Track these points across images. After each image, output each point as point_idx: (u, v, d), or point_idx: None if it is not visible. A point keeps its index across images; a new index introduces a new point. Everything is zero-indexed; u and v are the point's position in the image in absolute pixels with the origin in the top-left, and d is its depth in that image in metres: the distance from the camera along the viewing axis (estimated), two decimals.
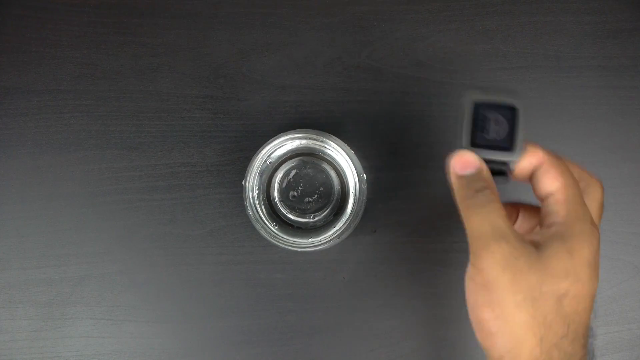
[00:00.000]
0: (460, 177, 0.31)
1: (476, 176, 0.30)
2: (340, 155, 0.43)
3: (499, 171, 0.31)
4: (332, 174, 0.45)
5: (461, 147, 0.31)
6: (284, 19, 0.49)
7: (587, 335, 0.29)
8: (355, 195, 0.43)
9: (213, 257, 0.46)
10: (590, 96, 0.48)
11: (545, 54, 0.48)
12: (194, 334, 0.46)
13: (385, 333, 0.45)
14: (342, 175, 0.45)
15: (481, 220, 0.29)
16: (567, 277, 0.28)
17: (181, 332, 0.46)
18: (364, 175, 0.42)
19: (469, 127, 0.31)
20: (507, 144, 0.30)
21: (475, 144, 0.31)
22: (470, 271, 0.30)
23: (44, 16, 0.49)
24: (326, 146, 0.44)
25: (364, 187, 0.42)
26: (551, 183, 0.30)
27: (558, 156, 0.32)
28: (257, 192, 0.43)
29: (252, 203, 0.43)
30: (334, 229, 0.43)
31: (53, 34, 0.49)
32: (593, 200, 0.32)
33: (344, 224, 0.42)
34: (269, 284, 0.46)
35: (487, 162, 0.31)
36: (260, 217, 0.42)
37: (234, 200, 0.47)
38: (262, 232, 0.42)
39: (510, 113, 0.31)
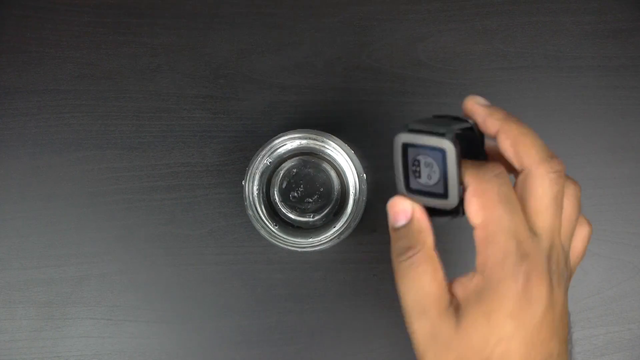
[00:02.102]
0: (394, 230, 0.29)
1: (406, 231, 0.28)
2: (340, 155, 0.43)
3: (442, 216, 0.29)
4: (332, 174, 0.45)
5: (397, 191, 0.28)
6: (284, 19, 0.49)
7: None
8: (355, 195, 0.43)
9: (213, 257, 0.46)
10: (590, 96, 0.48)
11: (545, 54, 0.48)
12: (194, 334, 0.46)
13: (385, 333, 0.45)
14: (342, 175, 0.45)
15: (406, 290, 0.28)
16: (486, 346, 0.26)
17: (181, 332, 0.46)
18: (364, 175, 0.42)
19: (400, 171, 0.28)
20: (441, 190, 0.27)
21: (410, 189, 0.28)
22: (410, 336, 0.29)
23: (44, 16, 0.49)
24: (326, 146, 0.44)
25: (364, 187, 0.42)
26: (473, 217, 0.27)
27: (481, 178, 0.27)
28: (257, 192, 0.43)
29: (252, 203, 0.43)
30: (334, 229, 0.43)
31: (53, 34, 0.49)
32: (571, 197, 0.29)
33: (344, 224, 0.42)
34: (269, 284, 0.46)
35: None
36: (260, 217, 0.42)
37: (234, 200, 0.47)
38: (262, 232, 0.42)
39: (440, 155, 0.27)
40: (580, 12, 0.49)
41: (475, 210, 0.27)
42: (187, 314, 0.46)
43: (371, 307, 0.46)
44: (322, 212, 0.45)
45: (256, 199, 0.43)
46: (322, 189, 0.45)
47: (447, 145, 0.26)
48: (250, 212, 0.42)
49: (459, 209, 0.28)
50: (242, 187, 0.43)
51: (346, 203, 0.44)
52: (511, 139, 0.28)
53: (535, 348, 0.26)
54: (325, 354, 0.45)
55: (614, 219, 0.47)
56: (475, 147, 0.30)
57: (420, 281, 0.27)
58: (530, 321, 0.26)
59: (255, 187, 0.43)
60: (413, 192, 0.28)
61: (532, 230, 0.27)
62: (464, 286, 0.27)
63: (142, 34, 0.49)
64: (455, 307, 0.27)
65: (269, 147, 0.43)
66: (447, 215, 0.28)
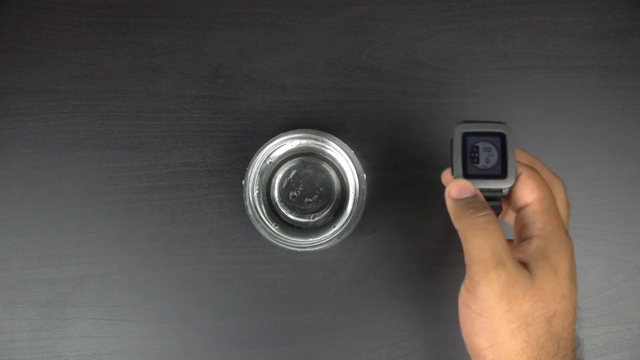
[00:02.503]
0: (458, 200, 0.31)
1: (474, 198, 0.31)
2: (340, 155, 0.43)
3: (491, 198, 0.32)
4: (332, 174, 0.45)
5: (454, 177, 0.32)
6: (284, 19, 0.49)
7: (575, 348, 0.30)
8: (355, 195, 0.43)
9: (213, 257, 0.46)
10: (590, 96, 0.48)
11: (545, 54, 0.48)
12: (194, 334, 0.46)
13: (385, 333, 0.45)
14: (342, 175, 0.45)
15: (482, 243, 0.29)
16: (555, 298, 0.29)
17: (181, 332, 0.46)
18: (364, 175, 0.42)
19: (459, 159, 0.31)
20: (499, 171, 0.31)
21: (467, 175, 0.31)
22: (465, 296, 0.30)
23: (44, 16, 0.49)
24: (326, 146, 0.44)
25: (364, 187, 0.42)
26: (529, 195, 0.31)
27: (531, 167, 0.32)
28: (257, 192, 0.43)
29: (252, 203, 0.43)
30: (334, 229, 0.43)
31: (53, 34, 0.49)
32: (559, 200, 0.33)
33: (344, 224, 0.42)
34: (269, 284, 0.46)
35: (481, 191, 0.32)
36: (260, 217, 0.42)
37: (234, 200, 0.47)
38: (262, 232, 0.42)
39: (499, 140, 0.31)
40: (580, 12, 0.49)
41: (530, 189, 0.31)
42: (187, 314, 0.46)
43: (371, 307, 0.46)
44: (322, 212, 0.45)
45: (256, 199, 0.43)
46: (322, 189, 0.45)
47: (507, 130, 0.31)
48: (250, 212, 0.42)
49: (501, 206, 0.32)
50: (242, 187, 0.43)
51: (346, 203, 0.44)
52: (528, 161, 0.34)
53: (575, 315, 0.30)
54: (325, 354, 0.45)
55: (614, 219, 0.47)
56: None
57: (498, 235, 0.30)
58: (576, 290, 0.30)
59: (255, 187, 0.43)
60: (470, 176, 0.31)
61: None
62: (524, 250, 0.30)
63: (142, 34, 0.49)
64: (524, 264, 0.30)
65: (269, 147, 0.43)
66: (493, 206, 0.32)
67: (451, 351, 0.45)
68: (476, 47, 0.49)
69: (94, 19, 0.49)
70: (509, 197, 0.33)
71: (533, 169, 0.32)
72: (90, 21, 0.49)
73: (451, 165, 0.32)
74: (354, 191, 0.43)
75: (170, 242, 0.46)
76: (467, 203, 0.31)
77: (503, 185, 0.31)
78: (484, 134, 0.31)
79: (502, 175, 0.31)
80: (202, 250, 0.46)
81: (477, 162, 0.31)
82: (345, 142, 0.43)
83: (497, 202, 0.32)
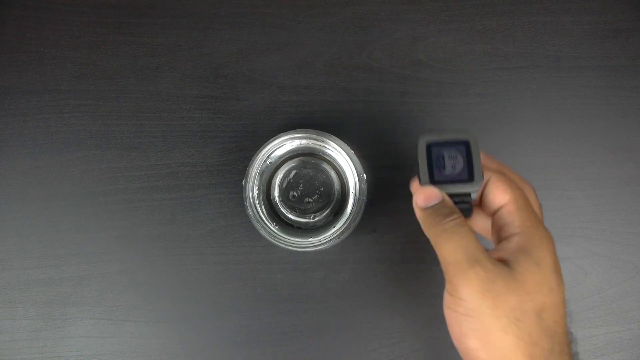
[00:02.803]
0: (426, 209, 0.32)
1: (441, 204, 0.31)
2: (340, 155, 0.43)
3: (460, 207, 0.32)
4: (332, 174, 0.45)
5: (421, 184, 0.32)
6: (284, 19, 0.49)
7: (569, 342, 0.30)
8: (355, 195, 0.43)
9: (213, 257, 0.46)
10: (590, 96, 0.48)
11: (545, 54, 0.48)
12: (194, 334, 0.46)
13: (385, 333, 0.45)
14: (342, 175, 0.45)
15: (453, 246, 0.29)
16: (541, 291, 0.29)
17: (181, 332, 0.46)
18: (364, 175, 0.42)
19: (425, 167, 0.32)
20: (466, 176, 0.32)
21: (434, 181, 0.32)
22: (448, 300, 0.30)
23: (44, 16, 0.49)
24: (326, 146, 0.44)
25: (364, 187, 0.42)
26: (502, 196, 0.32)
27: (502, 168, 0.33)
28: (257, 192, 0.43)
29: (252, 203, 0.43)
30: (334, 229, 0.43)
31: (53, 34, 0.49)
32: (532, 202, 0.33)
33: (344, 224, 0.42)
34: (269, 284, 0.46)
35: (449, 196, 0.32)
36: (260, 217, 0.42)
37: (234, 200, 0.47)
38: (262, 232, 0.42)
39: (464, 147, 0.32)
40: (580, 12, 0.49)
41: (502, 190, 0.32)
42: (187, 314, 0.46)
43: (371, 307, 0.46)
44: (322, 212, 0.45)
45: (256, 199, 0.43)
46: (322, 189, 0.45)
47: (472, 137, 0.32)
48: (250, 212, 0.42)
49: (471, 208, 0.33)
50: (242, 187, 0.43)
51: (346, 203, 0.44)
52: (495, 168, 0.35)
53: (564, 310, 0.30)
54: (325, 354, 0.45)
55: (614, 219, 0.47)
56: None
57: (469, 236, 0.30)
58: (563, 282, 0.30)
59: (255, 187, 0.43)
60: (437, 182, 0.32)
61: None
62: (504, 248, 0.30)
63: (142, 34, 0.49)
64: (503, 262, 0.30)
65: (269, 147, 0.43)
66: (462, 211, 0.32)
67: (451, 351, 0.45)
68: (476, 47, 0.49)
69: (94, 19, 0.49)
70: (481, 203, 0.33)
71: (500, 171, 0.33)
72: (90, 21, 0.49)
73: (418, 175, 0.33)
74: (354, 191, 0.43)
75: (170, 242, 0.46)
76: (435, 210, 0.31)
77: (471, 188, 0.32)
78: (448, 143, 0.32)
79: (469, 178, 0.32)
80: (202, 250, 0.46)
81: (444, 169, 0.32)
82: (345, 142, 0.43)
83: (466, 205, 0.32)
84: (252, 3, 0.49)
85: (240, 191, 0.43)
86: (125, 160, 0.47)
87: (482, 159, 0.33)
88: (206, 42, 0.49)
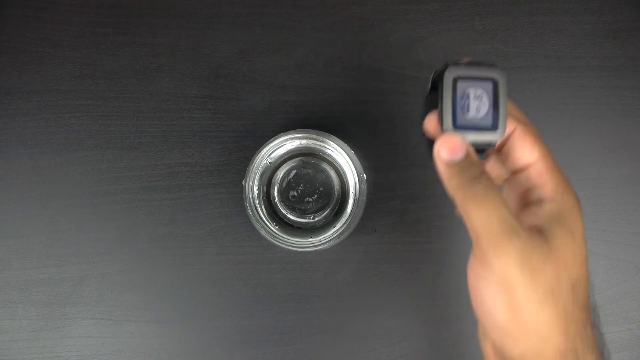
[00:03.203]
0: (451, 165, 0.28)
1: (467, 161, 0.28)
2: (340, 155, 0.43)
3: (480, 149, 0.29)
4: (332, 174, 0.45)
5: (443, 129, 0.28)
6: (284, 19, 0.49)
7: (590, 313, 0.29)
8: (355, 195, 0.43)
9: (213, 257, 0.46)
10: (590, 96, 0.48)
11: (545, 54, 0.48)
12: (194, 334, 0.46)
13: (385, 333, 0.45)
14: (342, 175, 0.45)
15: (486, 214, 0.26)
16: (575, 262, 0.27)
17: (181, 332, 0.46)
18: (364, 175, 0.42)
19: (449, 107, 0.28)
20: (489, 122, 0.28)
21: (457, 126, 0.28)
22: (479, 269, 0.27)
23: (44, 16, 0.49)
24: (326, 146, 0.44)
25: (364, 187, 0.42)
26: (529, 153, 0.29)
27: (527, 120, 0.29)
28: (257, 192, 0.43)
29: (252, 203, 0.43)
30: (334, 229, 0.43)
31: (53, 34, 0.49)
32: None
33: (343, 224, 0.42)
34: (269, 284, 0.46)
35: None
36: (260, 217, 0.42)
37: (234, 200, 0.47)
38: (262, 232, 0.42)
39: (491, 86, 0.28)
40: (580, 12, 0.49)
41: (530, 146, 0.28)
42: (187, 314, 0.46)
43: (371, 307, 0.46)
44: (322, 212, 0.45)
45: (256, 199, 0.43)
46: (322, 189, 0.45)
47: (500, 75, 0.28)
48: (250, 212, 0.42)
49: (484, 153, 0.29)
50: (242, 187, 0.43)
51: (346, 203, 0.44)
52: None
53: (588, 291, 0.28)
54: (325, 354, 0.45)
55: (614, 219, 0.47)
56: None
57: (501, 202, 0.27)
58: (587, 252, 0.28)
59: (255, 187, 0.43)
60: (459, 128, 0.28)
61: None
62: (536, 214, 0.28)
63: (142, 34, 0.49)
64: (537, 230, 0.27)
65: (269, 147, 0.43)
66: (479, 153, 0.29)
67: (451, 351, 0.45)
68: (476, 47, 0.49)
69: (94, 19, 0.49)
70: (501, 157, 0.31)
71: (526, 122, 0.29)
72: (90, 21, 0.49)
73: (440, 115, 0.29)
74: (354, 191, 0.43)
75: (170, 242, 0.46)
76: (462, 170, 0.28)
77: (493, 137, 0.28)
78: (476, 78, 0.28)
79: (494, 126, 0.28)
80: (202, 250, 0.46)
81: (468, 111, 0.28)
82: (345, 142, 0.43)
83: (483, 154, 0.29)
84: (252, 3, 0.49)
85: (240, 191, 0.43)
86: (125, 160, 0.47)
87: (528, 129, 0.29)
88: (206, 42, 0.49)
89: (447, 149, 0.28)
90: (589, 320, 0.28)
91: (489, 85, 0.28)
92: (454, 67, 0.28)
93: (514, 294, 0.26)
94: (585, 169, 0.47)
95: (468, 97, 0.28)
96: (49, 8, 0.49)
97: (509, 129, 0.29)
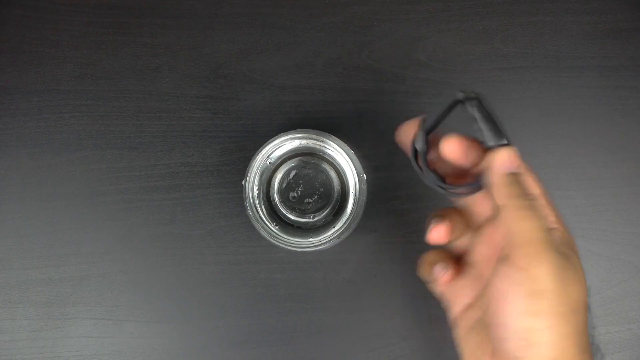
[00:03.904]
0: (510, 175, 0.30)
1: (521, 178, 0.30)
2: (340, 155, 0.43)
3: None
4: (332, 174, 0.45)
5: (491, 145, 0.30)
6: (284, 19, 0.49)
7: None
8: (355, 195, 0.43)
9: (213, 257, 0.46)
10: (590, 96, 0.48)
11: (545, 54, 0.48)
12: (194, 334, 0.46)
13: (385, 333, 0.45)
14: (342, 175, 0.45)
15: (535, 225, 0.29)
16: (585, 286, 0.29)
17: (181, 332, 0.46)
18: (364, 175, 0.42)
19: (487, 124, 0.30)
20: (499, 132, 0.30)
21: (500, 137, 0.30)
22: (515, 275, 0.28)
23: (44, 16, 0.49)
24: (326, 146, 0.44)
25: (364, 187, 0.42)
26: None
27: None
28: (257, 192, 0.43)
29: (252, 203, 0.43)
30: (334, 229, 0.43)
31: (53, 34, 0.49)
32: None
33: (343, 224, 0.42)
34: (269, 284, 0.46)
35: None
36: (260, 217, 0.42)
37: (234, 200, 0.47)
38: (262, 232, 0.42)
39: (475, 103, 0.30)
40: (580, 12, 0.49)
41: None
42: (187, 314, 0.46)
43: (371, 307, 0.46)
44: (322, 212, 0.45)
45: (256, 199, 0.43)
46: (322, 189, 0.45)
47: (473, 95, 0.30)
48: (250, 212, 0.42)
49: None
50: (242, 187, 0.43)
51: (346, 203, 0.44)
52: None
53: None
54: (325, 354, 0.45)
55: (614, 219, 0.47)
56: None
57: (543, 217, 0.29)
58: None
59: (255, 187, 0.43)
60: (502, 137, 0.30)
61: None
62: (555, 235, 0.31)
63: (142, 34, 0.49)
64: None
65: (269, 147, 0.43)
66: None
67: (451, 351, 0.45)
68: (476, 47, 0.49)
69: (94, 19, 0.49)
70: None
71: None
72: (90, 21, 0.49)
73: (483, 137, 0.30)
74: (354, 191, 0.43)
75: (170, 242, 0.46)
76: (516, 180, 0.30)
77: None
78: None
79: (500, 135, 0.30)
80: (202, 250, 0.46)
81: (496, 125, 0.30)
82: (345, 142, 0.43)
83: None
84: (252, 3, 0.49)
85: (240, 191, 0.43)
86: (125, 160, 0.47)
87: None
88: (206, 42, 0.49)
89: (508, 162, 0.30)
90: (589, 341, 0.29)
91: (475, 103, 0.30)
92: (461, 92, 0.30)
93: (545, 304, 0.28)
94: (585, 169, 0.47)
95: (489, 113, 0.30)
96: (49, 8, 0.49)
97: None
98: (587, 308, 0.29)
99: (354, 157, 0.43)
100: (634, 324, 0.45)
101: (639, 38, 0.49)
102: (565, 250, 0.29)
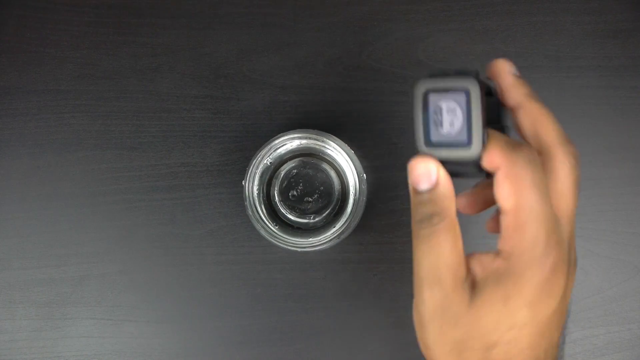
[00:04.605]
0: (416, 194, 0.27)
1: (429, 196, 0.27)
2: (340, 155, 0.43)
3: (462, 171, 0.27)
4: (332, 174, 0.45)
5: (417, 149, 0.27)
6: (284, 19, 0.49)
7: None
8: (355, 195, 0.43)
9: (213, 257, 0.46)
10: (590, 96, 0.48)
11: (545, 54, 0.48)
12: (194, 334, 0.46)
13: (385, 333, 0.45)
14: (342, 175, 0.45)
15: (423, 256, 0.27)
16: (497, 329, 0.26)
17: (181, 332, 0.46)
18: (364, 175, 0.42)
19: (420, 123, 0.26)
20: (464, 137, 0.25)
21: (430, 143, 0.26)
22: (414, 303, 0.29)
23: (44, 16, 0.49)
24: (326, 146, 0.44)
25: (364, 187, 0.42)
26: (505, 199, 0.25)
27: (518, 153, 0.26)
28: (257, 192, 0.43)
29: (252, 203, 0.43)
30: (334, 229, 0.43)
31: (53, 34, 0.49)
32: (561, 180, 0.27)
33: (343, 224, 0.42)
34: (269, 284, 0.46)
35: (449, 162, 0.26)
36: (260, 217, 0.42)
37: (234, 200, 0.47)
38: (262, 232, 0.42)
39: (464, 97, 0.25)
40: (580, 12, 0.49)
41: (507, 194, 0.25)
42: (187, 314, 0.46)
43: (371, 307, 0.46)
44: (322, 212, 0.45)
45: (256, 199, 0.43)
46: (322, 189, 0.45)
47: (471, 84, 0.25)
48: (250, 212, 0.42)
49: (482, 171, 0.26)
50: (242, 187, 0.43)
51: (346, 203, 0.44)
52: (531, 117, 0.28)
53: (543, 338, 0.26)
54: (325, 354, 0.45)
55: (614, 219, 0.47)
56: (493, 114, 0.28)
57: (439, 250, 0.26)
58: (545, 312, 0.26)
59: (255, 187, 0.43)
60: (433, 145, 0.26)
61: (555, 216, 0.26)
62: (484, 265, 0.27)
63: (142, 34, 0.49)
64: (471, 283, 0.26)
65: (269, 147, 0.43)
66: (470, 177, 0.27)
67: None
68: (476, 47, 0.49)
69: (94, 19, 0.49)
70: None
71: (517, 164, 0.25)
72: (90, 21, 0.49)
73: (414, 132, 0.27)
74: (354, 191, 0.43)
75: (170, 242, 0.46)
76: (420, 203, 0.27)
77: (467, 153, 0.25)
78: (446, 90, 0.25)
79: (468, 141, 0.25)
80: (202, 250, 0.46)
81: (441, 127, 0.26)
82: (345, 142, 0.43)
83: (478, 172, 0.27)
84: (252, 3, 0.49)
85: (240, 191, 0.43)
86: (125, 160, 0.47)
87: (502, 93, 0.27)
88: (206, 42, 0.49)
89: (414, 176, 0.27)
90: None
91: (462, 97, 0.25)
92: (425, 80, 0.26)
93: (426, 337, 0.27)
94: (585, 169, 0.47)
95: (441, 111, 0.26)
96: (49, 8, 0.49)
97: (492, 165, 0.26)
98: (493, 346, 0.26)
99: (354, 157, 0.43)
100: (634, 324, 0.45)
101: (639, 38, 0.49)
102: (482, 282, 0.26)
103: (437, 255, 0.26)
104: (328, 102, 0.48)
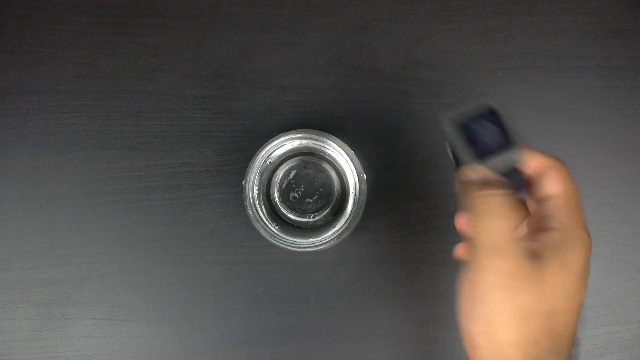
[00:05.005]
0: (468, 181, 0.30)
1: (484, 179, 0.30)
2: (340, 155, 0.43)
3: (511, 183, 0.31)
4: (332, 174, 0.45)
5: (465, 165, 0.30)
6: (284, 19, 0.49)
7: (571, 347, 0.29)
8: (355, 195, 0.43)
9: (213, 257, 0.46)
10: (590, 96, 0.48)
11: (545, 54, 0.48)
12: (194, 334, 0.46)
13: (385, 333, 0.45)
14: (342, 175, 0.45)
15: (486, 228, 0.29)
16: (557, 294, 0.28)
17: (181, 332, 0.46)
18: (364, 175, 0.42)
19: (462, 145, 0.30)
20: (503, 141, 0.30)
21: (477, 157, 0.30)
22: (468, 279, 0.29)
23: (44, 16, 0.49)
24: (326, 146, 0.44)
25: (364, 187, 0.42)
26: (554, 187, 0.30)
27: (558, 159, 0.32)
28: (257, 192, 0.43)
29: (252, 203, 0.43)
30: (334, 229, 0.43)
31: (53, 34, 0.49)
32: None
33: (343, 224, 0.42)
34: (269, 284, 0.46)
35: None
36: (260, 217, 0.42)
37: (234, 200, 0.47)
38: (262, 232, 0.42)
39: (492, 116, 0.31)
40: (580, 12, 0.49)
41: (555, 180, 0.30)
42: (187, 314, 0.46)
43: (371, 307, 0.46)
44: (322, 212, 0.45)
45: (256, 199, 0.43)
46: (322, 189, 0.45)
47: (489, 100, 0.30)
48: (250, 212, 0.42)
49: (520, 186, 0.31)
50: (242, 187, 0.43)
51: (346, 203, 0.44)
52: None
53: (577, 313, 0.30)
54: (325, 354, 0.45)
55: (614, 219, 0.47)
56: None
57: (506, 218, 0.29)
58: (584, 289, 0.30)
59: (255, 187, 0.43)
60: (480, 157, 0.30)
61: None
62: (541, 240, 0.30)
63: (142, 34, 0.49)
64: (531, 253, 0.29)
65: (269, 147, 0.43)
66: (512, 186, 0.31)
67: (451, 351, 0.45)
68: (476, 47, 0.49)
69: (94, 19, 0.49)
70: (530, 186, 0.32)
71: (561, 162, 0.31)
72: (90, 21, 0.49)
73: (455, 160, 0.31)
74: (354, 191, 0.43)
75: (170, 242, 0.46)
76: (478, 184, 0.30)
77: (513, 153, 0.30)
78: (474, 116, 0.30)
79: (508, 142, 0.30)
80: (202, 250, 0.46)
81: (480, 141, 0.30)
82: (345, 142, 0.43)
83: (516, 178, 0.31)
84: (252, 3, 0.49)
85: (240, 191, 0.43)
86: (125, 160, 0.47)
87: (559, 166, 0.31)
88: (206, 42, 0.49)
89: (467, 172, 0.30)
90: (560, 348, 0.28)
91: (490, 116, 0.30)
92: (448, 113, 0.30)
93: (485, 309, 0.28)
94: (585, 169, 0.47)
95: (474, 132, 0.30)
96: (49, 8, 0.49)
97: (538, 165, 0.31)
98: (554, 312, 0.28)
99: (354, 157, 0.43)
100: (634, 324, 0.45)
101: (639, 38, 0.49)
102: (545, 252, 0.29)
103: (502, 225, 0.29)
104: (328, 102, 0.48)
